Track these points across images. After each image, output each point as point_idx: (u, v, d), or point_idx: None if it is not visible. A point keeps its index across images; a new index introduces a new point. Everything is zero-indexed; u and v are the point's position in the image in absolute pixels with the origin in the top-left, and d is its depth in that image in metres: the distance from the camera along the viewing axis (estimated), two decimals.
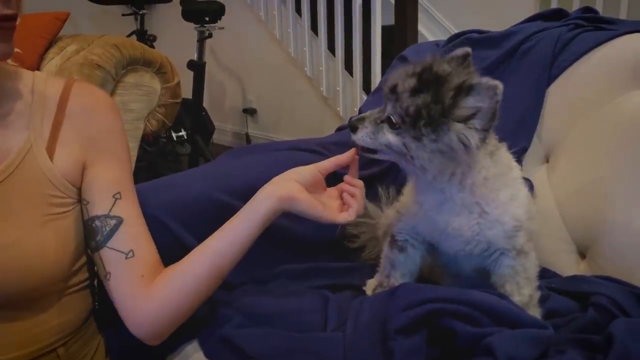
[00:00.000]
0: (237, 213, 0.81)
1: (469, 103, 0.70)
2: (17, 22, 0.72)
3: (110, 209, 0.82)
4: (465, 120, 0.70)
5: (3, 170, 0.76)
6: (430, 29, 3.04)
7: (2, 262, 0.74)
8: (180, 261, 0.82)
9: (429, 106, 0.70)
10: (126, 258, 0.81)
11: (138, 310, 0.80)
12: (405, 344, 0.71)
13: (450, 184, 0.78)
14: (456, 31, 2.68)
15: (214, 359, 0.80)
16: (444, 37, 2.89)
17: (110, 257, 0.81)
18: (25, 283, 0.76)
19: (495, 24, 1.36)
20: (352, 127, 0.77)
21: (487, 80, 0.70)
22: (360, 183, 0.86)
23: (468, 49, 0.77)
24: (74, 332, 0.84)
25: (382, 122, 0.75)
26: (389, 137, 0.74)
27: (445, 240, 0.84)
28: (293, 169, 0.84)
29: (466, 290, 0.75)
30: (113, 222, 0.81)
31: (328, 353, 0.74)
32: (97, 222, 0.81)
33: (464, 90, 0.70)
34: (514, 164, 0.85)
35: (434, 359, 0.71)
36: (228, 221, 0.81)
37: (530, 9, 2.52)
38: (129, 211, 0.83)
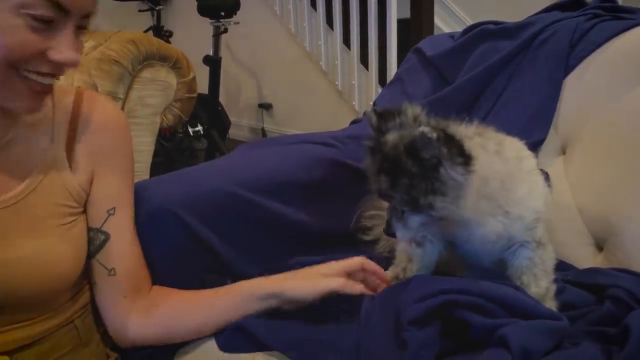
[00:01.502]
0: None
1: (426, 156, 0.69)
2: None
3: (102, 224, 0.86)
4: (437, 166, 0.70)
5: (30, 182, 0.80)
6: (446, 21, 3.01)
7: (28, 271, 0.77)
8: (196, 301, 0.86)
9: (413, 185, 0.71)
10: (109, 275, 0.85)
11: (120, 323, 0.86)
12: (418, 335, 0.71)
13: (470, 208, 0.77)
14: (472, 23, 2.67)
15: (228, 349, 0.81)
16: (460, 28, 2.87)
17: (96, 270, 0.86)
18: (49, 287, 0.80)
19: (513, 15, 1.35)
20: (390, 235, 0.78)
21: (417, 132, 0.69)
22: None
23: (371, 110, 0.76)
24: (87, 304, 0.89)
25: (402, 214, 0.76)
26: (417, 219, 0.75)
27: (467, 242, 0.84)
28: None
29: (480, 281, 0.75)
30: (102, 237, 0.85)
31: (342, 343, 0.75)
32: (91, 234, 0.86)
33: (413, 152, 0.70)
34: (525, 153, 0.84)
35: (448, 350, 0.70)
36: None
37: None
38: (120, 228, 0.86)
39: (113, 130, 0.89)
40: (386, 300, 0.78)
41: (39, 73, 0.70)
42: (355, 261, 0.82)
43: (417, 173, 0.70)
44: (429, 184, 0.70)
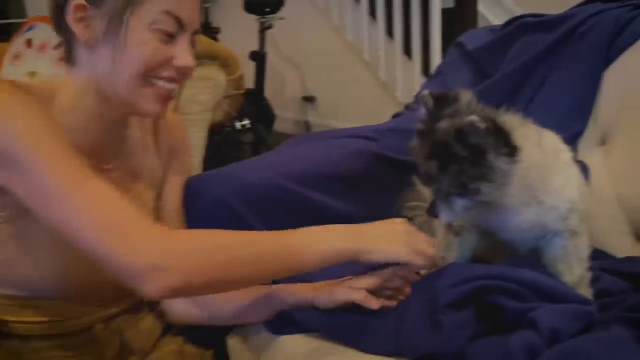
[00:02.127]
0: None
1: (474, 142, 0.72)
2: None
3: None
4: (485, 153, 0.73)
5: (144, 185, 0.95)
6: (492, 9, 2.98)
7: None
8: (235, 295, 0.88)
9: (461, 171, 0.73)
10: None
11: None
12: (454, 317, 0.76)
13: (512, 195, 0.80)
14: (519, 10, 2.63)
15: (274, 331, 0.88)
16: (505, 16, 2.84)
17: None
18: None
19: (560, 4, 1.34)
20: (433, 214, 0.82)
21: (467, 119, 0.72)
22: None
23: (427, 93, 0.79)
24: None
25: (448, 197, 0.78)
26: (462, 203, 0.78)
27: (501, 230, 0.88)
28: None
29: (513, 268, 0.79)
30: None
31: (381, 326, 0.80)
32: None
33: (463, 137, 0.72)
34: (561, 146, 0.87)
35: (481, 332, 0.75)
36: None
37: None
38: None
39: (180, 130, 1.04)
40: (423, 286, 0.83)
41: (165, 79, 0.83)
42: (387, 272, 0.83)
43: (466, 158, 0.73)
44: (477, 170, 0.73)
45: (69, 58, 0.86)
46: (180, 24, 0.82)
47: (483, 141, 0.71)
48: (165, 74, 0.83)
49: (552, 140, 0.86)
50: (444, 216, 0.80)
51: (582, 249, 0.86)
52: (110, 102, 0.85)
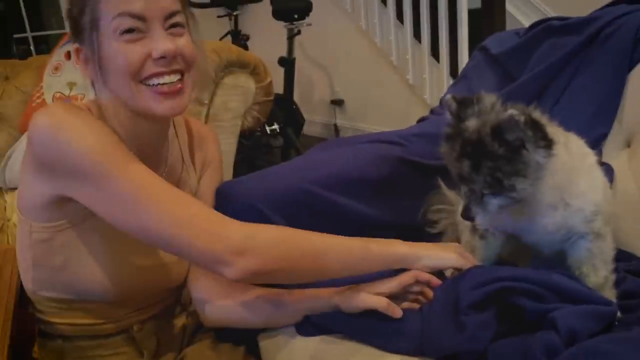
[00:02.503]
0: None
1: (511, 138, 0.73)
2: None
3: None
4: (520, 149, 0.74)
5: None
6: (520, 9, 2.95)
7: (176, 270, 0.98)
8: (266, 300, 0.92)
9: (496, 168, 0.74)
10: None
11: (203, 303, 0.95)
12: (476, 318, 0.78)
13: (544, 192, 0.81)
14: (548, 9, 2.57)
15: (304, 333, 0.90)
16: (534, 16, 2.82)
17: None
18: (182, 278, 1.00)
19: (593, 3, 1.32)
20: (468, 219, 0.82)
21: (505, 114, 0.73)
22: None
23: (450, 97, 0.80)
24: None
25: (481, 198, 0.79)
26: (496, 202, 0.79)
27: (528, 233, 0.89)
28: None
29: (533, 270, 0.80)
30: None
31: (405, 327, 0.82)
32: None
33: (499, 134, 0.73)
34: (587, 150, 0.87)
35: (502, 332, 0.77)
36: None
37: None
38: None
39: (212, 142, 1.08)
40: (446, 288, 0.85)
41: (155, 75, 0.84)
42: (409, 276, 0.87)
43: (502, 155, 0.73)
44: (513, 165, 0.74)
45: (95, 91, 0.91)
46: (139, 18, 0.82)
47: (522, 135, 0.72)
48: (152, 70, 0.83)
49: (577, 143, 0.87)
50: (480, 218, 0.81)
51: (606, 251, 0.87)
52: (137, 115, 0.89)
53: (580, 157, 0.86)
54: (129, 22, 0.81)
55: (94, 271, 0.89)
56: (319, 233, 0.85)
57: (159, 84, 0.84)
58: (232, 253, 0.77)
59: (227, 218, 0.81)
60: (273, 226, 0.88)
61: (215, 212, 0.83)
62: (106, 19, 0.82)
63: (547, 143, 0.74)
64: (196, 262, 0.84)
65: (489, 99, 0.79)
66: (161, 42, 0.83)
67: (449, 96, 0.81)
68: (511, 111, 0.72)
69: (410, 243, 0.88)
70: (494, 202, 0.78)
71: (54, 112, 0.81)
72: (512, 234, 0.92)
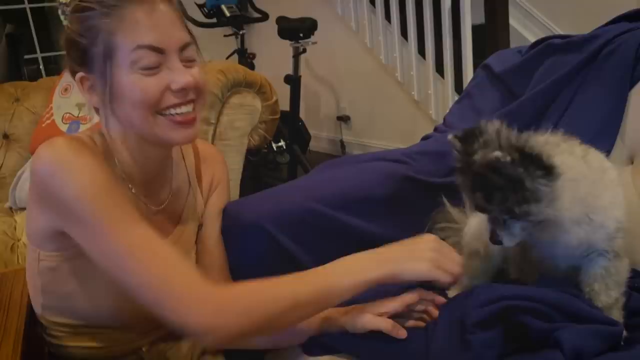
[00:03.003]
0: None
1: (507, 172, 0.73)
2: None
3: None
4: (525, 175, 0.74)
5: (185, 218, 1.01)
6: (524, 23, 2.97)
7: None
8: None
9: (506, 196, 0.75)
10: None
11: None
12: (482, 337, 0.78)
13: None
14: (551, 24, 2.58)
15: (309, 352, 0.91)
16: (538, 30, 2.83)
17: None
18: None
19: (592, 14, 1.33)
20: (497, 243, 0.82)
21: (491, 156, 0.74)
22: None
23: (451, 136, 0.81)
24: None
25: (505, 222, 0.79)
26: (519, 226, 0.79)
27: (551, 249, 0.88)
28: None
29: (539, 288, 0.81)
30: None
31: (411, 346, 0.83)
32: None
33: (493, 170, 0.74)
34: (608, 164, 0.86)
35: (508, 351, 0.77)
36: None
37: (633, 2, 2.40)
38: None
39: (219, 162, 1.09)
40: (451, 306, 0.86)
41: (173, 106, 0.85)
42: (413, 295, 0.87)
43: (507, 187, 0.74)
44: (520, 195, 0.74)
45: (102, 120, 0.90)
46: (158, 51, 0.82)
47: (515, 172, 0.73)
48: (170, 102, 0.84)
49: (597, 157, 0.86)
50: (507, 242, 0.81)
51: (622, 272, 0.86)
52: (146, 142, 0.89)
53: (601, 171, 0.84)
54: (149, 56, 0.81)
55: (101, 297, 0.90)
56: (291, 280, 0.81)
57: (176, 113, 0.85)
58: (203, 330, 0.77)
59: (201, 286, 0.78)
60: (243, 290, 0.81)
61: (197, 276, 0.79)
62: (124, 50, 0.81)
63: (546, 171, 0.74)
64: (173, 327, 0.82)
65: (492, 126, 0.79)
66: (181, 75, 0.84)
67: (450, 136, 0.81)
68: (496, 153, 0.73)
69: (384, 255, 0.84)
70: (515, 225, 0.79)
71: (56, 148, 0.81)
72: (534, 250, 0.91)
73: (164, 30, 0.83)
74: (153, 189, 0.96)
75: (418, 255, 0.83)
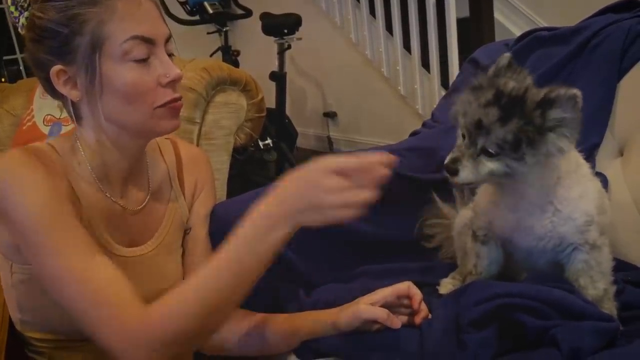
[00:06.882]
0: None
1: (555, 115, 0.75)
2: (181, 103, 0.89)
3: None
4: (554, 129, 0.75)
5: (166, 224, 0.98)
6: (508, 17, 2.98)
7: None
8: (264, 326, 0.91)
9: (524, 129, 0.74)
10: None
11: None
12: (477, 336, 0.77)
13: (529, 185, 0.82)
14: (537, 17, 2.59)
15: (302, 356, 0.90)
16: (522, 23, 2.83)
17: None
18: None
19: (578, 11, 1.33)
20: (451, 170, 0.79)
21: (566, 91, 0.75)
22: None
23: (508, 55, 0.81)
24: None
25: (478, 155, 0.78)
26: (491, 165, 0.78)
27: (519, 237, 0.88)
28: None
29: (534, 285, 0.80)
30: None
31: (405, 347, 0.82)
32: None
33: (548, 104, 0.74)
34: (582, 161, 0.88)
35: (504, 349, 0.76)
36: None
37: None
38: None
39: (203, 163, 1.06)
40: (445, 304, 0.84)
41: (171, 97, 0.86)
42: (403, 287, 0.86)
43: (538, 124, 0.74)
44: (538, 137, 0.74)
45: (75, 117, 0.87)
46: (150, 42, 0.82)
47: (567, 116, 0.73)
48: (169, 96, 0.85)
49: (574, 153, 0.87)
50: (463, 174, 0.78)
51: (604, 262, 0.86)
52: (127, 134, 0.88)
53: (575, 165, 0.86)
54: (141, 47, 0.81)
55: (67, 314, 0.87)
56: (213, 271, 0.76)
57: (172, 99, 0.86)
58: (122, 355, 0.74)
59: (136, 316, 0.74)
60: (170, 309, 0.75)
61: (127, 301, 0.75)
62: (115, 40, 0.80)
63: (573, 138, 0.75)
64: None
65: (529, 78, 0.80)
66: (172, 67, 0.85)
67: (507, 53, 0.81)
68: (576, 91, 0.73)
69: (282, 209, 0.76)
70: (486, 165, 0.78)
71: (7, 163, 0.79)
72: (505, 239, 0.91)
73: (153, 22, 0.84)
74: (129, 189, 0.94)
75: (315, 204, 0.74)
